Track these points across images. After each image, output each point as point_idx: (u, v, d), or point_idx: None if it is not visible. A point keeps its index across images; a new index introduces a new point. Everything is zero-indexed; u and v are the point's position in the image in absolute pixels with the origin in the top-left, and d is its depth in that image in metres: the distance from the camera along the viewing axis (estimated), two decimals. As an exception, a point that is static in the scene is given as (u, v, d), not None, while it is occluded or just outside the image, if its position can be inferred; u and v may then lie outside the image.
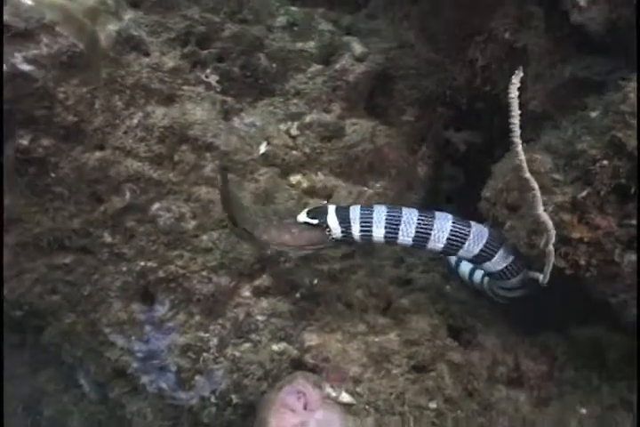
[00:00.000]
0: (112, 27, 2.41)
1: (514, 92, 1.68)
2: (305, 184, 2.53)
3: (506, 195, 2.13)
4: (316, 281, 2.40)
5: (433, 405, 2.26)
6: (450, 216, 2.20)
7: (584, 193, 1.92)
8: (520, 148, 1.68)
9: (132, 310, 2.47)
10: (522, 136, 1.94)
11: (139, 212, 2.41)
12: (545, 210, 1.94)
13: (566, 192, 1.95)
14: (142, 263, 2.40)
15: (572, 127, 2.09)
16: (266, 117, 2.64)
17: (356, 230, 2.15)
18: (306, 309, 2.41)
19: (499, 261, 2.22)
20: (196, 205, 2.40)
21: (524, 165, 1.67)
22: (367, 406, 2.18)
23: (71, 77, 2.26)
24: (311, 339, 2.35)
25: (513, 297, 2.37)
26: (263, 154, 2.51)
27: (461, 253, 2.21)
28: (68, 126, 2.27)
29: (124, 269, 2.45)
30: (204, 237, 2.39)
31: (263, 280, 2.43)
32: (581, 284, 2.06)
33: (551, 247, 1.78)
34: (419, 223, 2.14)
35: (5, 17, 2.08)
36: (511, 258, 2.21)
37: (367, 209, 2.17)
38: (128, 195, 2.39)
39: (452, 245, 2.18)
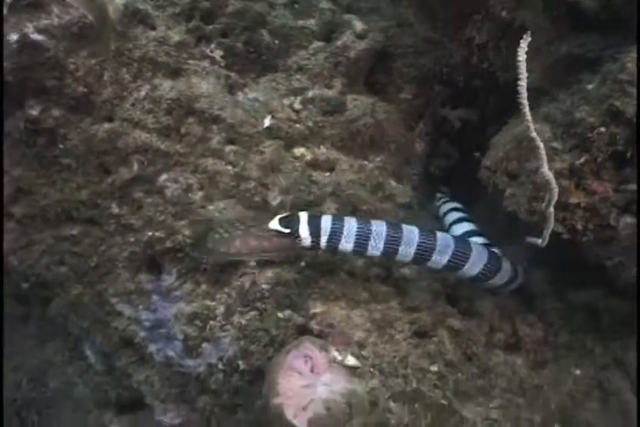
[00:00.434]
0: (119, 0, 2.44)
1: (522, 55, 1.74)
2: (308, 157, 2.59)
3: (506, 163, 2.22)
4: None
5: (434, 368, 2.34)
6: (416, 230, 2.25)
7: (582, 160, 2.01)
8: (527, 109, 1.75)
9: (140, 280, 2.52)
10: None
11: (146, 183, 2.45)
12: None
13: (565, 159, 2.04)
14: (150, 233, 2.45)
15: (569, 99, 2.17)
16: (269, 93, 2.70)
17: (324, 242, 2.20)
18: (310, 277, 2.46)
19: (471, 268, 2.33)
20: (203, 177, 2.45)
21: (531, 125, 1.74)
22: (372, 369, 2.24)
23: (81, 49, 2.29)
24: (316, 306, 2.41)
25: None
26: (268, 127, 2.57)
27: (429, 264, 2.31)
28: (77, 97, 2.31)
29: (132, 239, 2.50)
30: (211, 208, 2.44)
31: (268, 250, 2.48)
32: (578, 248, 2.16)
33: (552, 209, 1.86)
34: (387, 238, 2.19)
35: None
36: (485, 259, 2.31)
37: (338, 221, 2.19)
38: (136, 166, 2.43)
39: (420, 258, 2.25)
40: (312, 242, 2.18)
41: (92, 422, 2.85)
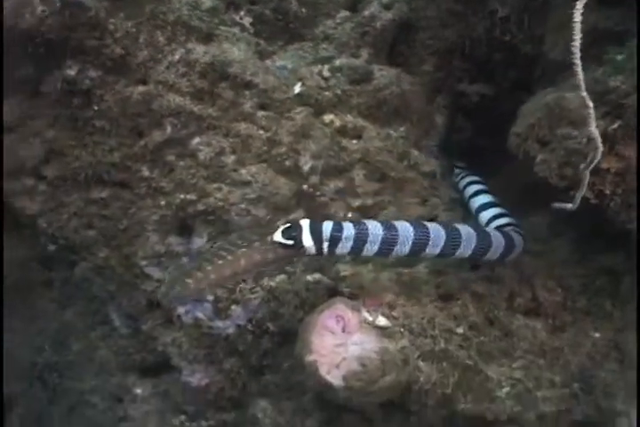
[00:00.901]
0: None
1: (580, 7, 1.79)
2: (337, 124, 2.63)
3: (537, 130, 2.27)
4: (350, 214, 2.51)
5: (460, 330, 2.41)
6: (409, 225, 2.25)
7: (615, 126, 2.08)
8: (580, 66, 1.80)
9: (170, 242, 2.55)
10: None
11: (179, 146, 2.48)
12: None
13: (598, 125, 2.10)
14: (182, 196, 2.48)
15: (601, 68, 2.23)
16: (296, 61, 2.73)
17: (326, 248, 2.16)
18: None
19: (464, 251, 2.34)
20: (236, 141, 2.49)
21: (582, 83, 1.80)
22: (402, 329, 2.31)
23: (118, 10, 2.30)
24: (345, 269, 2.47)
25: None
26: (298, 94, 2.60)
27: (424, 255, 2.32)
28: (115, 59, 2.33)
29: (162, 202, 2.53)
30: (243, 171, 2.48)
31: (298, 214, 2.53)
32: (603, 214, 2.23)
33: (588, 171, 1.93)
34: (384, 237, 2.19)
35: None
36: (474, 242, 2.34)
37: (338, 228, 2.16)
38: (169, 129, 2.46)
39: (416, 250, 2.26)
40: (317, 250, 2.16)
41: (114, 385, 2.89)
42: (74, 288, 2.85)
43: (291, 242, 2.10)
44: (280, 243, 2.10)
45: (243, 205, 2.48)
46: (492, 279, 2.60)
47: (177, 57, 2.46)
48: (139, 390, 2.84)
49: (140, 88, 2.42)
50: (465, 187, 3.03)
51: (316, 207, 2.52)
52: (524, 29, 2.85)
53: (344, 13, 2.82)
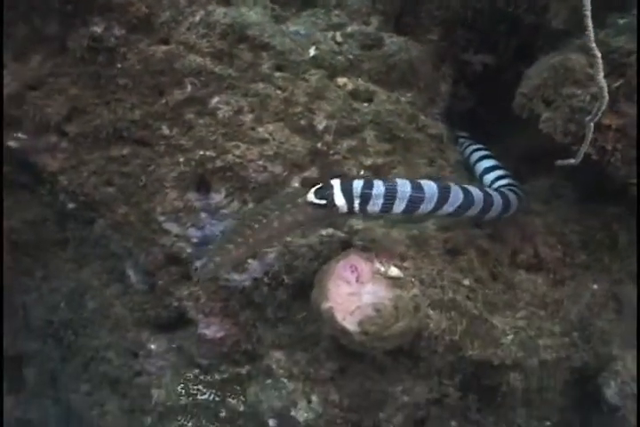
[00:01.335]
0: None
1: None
2: (350, 87, 2.73)
3: (543, 90, 2.40)
4: (362, 172, 2.61)
5: (467, 282, 2.53)
6: (434, 184, 2.33)
7: (617, 84, 2.21)
8: (590, 19, 1.91)
9: (188, 198, 2.64)
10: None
11: (199, 104, 2.57)
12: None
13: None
14: (201, 153, 2.56)
15: (603, 31, 2.36)
16: (309, 27, 2.83)
17: (357, 206, 2.23)
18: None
19: (473, 211, 2.46)
20: (254, 100, 2.58)
21: (592, 35, 1.91)
22: (413, 279, 2.42)
23: (142, -31, 2.38)
24: (358, 224, 2.58)
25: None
26: (313, 57, 2.70)
27: (440, 212, 2.39)
28: (140, 17, 2.40)
29: (181, 160, 2.61)
30: (261, 129, 2.57)
31: (312, 172, 2.63)
32: (604, 170, 2.37)
33: (592, 124, 2.06)
34: (412, 194, 2.26)
35: None
36: (481, 203, 2.46)
37: (368, 185, 2.23)
38: (189, 88, 2.54)
39: (437, 209, 2.35)
40: (348, 208, 2.23)
41: (129, 341, 2.97)
42: (90, 246, 2.93)
43: (323, 202, 2.18)
44: (313, 203, 2.18)
45: (260, 162, 2.56)
46: (495, 237, 2.72)
47: (197, 18, 2.54)
48: (153, 346, 2.91)
49: (163, 47, 2.51)
50: (470, 153, 3.16)
51: (329, 165, 2.61)
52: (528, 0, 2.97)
53: (356, -19, 2.92)
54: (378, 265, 2.44)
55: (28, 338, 3.22)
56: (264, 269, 2.60)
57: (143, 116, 2.59)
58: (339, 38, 2.79)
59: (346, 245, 2.55)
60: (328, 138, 2.61)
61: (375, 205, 2.25)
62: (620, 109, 2.23)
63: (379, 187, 2.24)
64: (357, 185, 2.21)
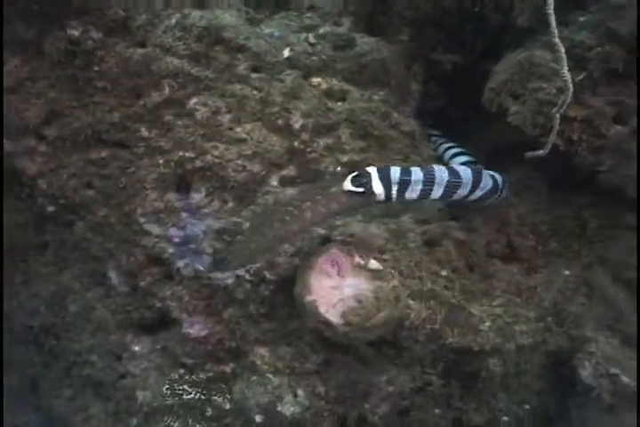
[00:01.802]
0: None
1: None
2: (324, 86, 2.80)
3: (510, 84, 2.50)
4: (339, 169, 2.68)
5: (444, 273, 2.61)
6: (468, 170, 2.41)
7: (580, 77, 2.32)
8: (553, 17, 2.01)
9: (168, 199, 2.66)
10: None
11: (177, 106, 2.60)
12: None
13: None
14: (180, 153, 2.60)
15: (566, 29, 2.47)
16: (283, 29, 2.89)
17: (395, 193, 2.28)
18: (329, 195, 2.67)
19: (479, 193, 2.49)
20: (231, 101, 2.62)
21: (555, 30, 2.01)
22: (392, 271, 2.49)
23: (117, -26, 2.42)
24: (336, 219, 2.64)
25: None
26: (287, 58, 2.76)
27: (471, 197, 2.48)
28: (117, 20, 2.43)
29: (161, 161, 2.64)
30: (238, 129, 2.62)
31: (290, 170, 2.68)
32: (572, 160, 2.48)
33: (559, 115, 2.16)
34: (449, 180, 2.34)
35: None
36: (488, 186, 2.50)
37: (406, 172, 2.28)
38: (167, 90, 2.58)
39: (468, 195, 2.43)
40: (386, 196, 2.27)
41: (113, 344, 2.97)
42: (70, 250, 2.93)
43: (361, 189, 2.22)
44: (351, 191, 2.21)
45: (239, 162, 2.60)
46: (470, 228, 2.81)
47: (173, 21, 2.59)
48: (137, 347, 2.92)
49: (140, 50, 2.54)
50: (445, 151, 3.25)
51: (307, 163, 2.67)
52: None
53: (327, -16, 2.99)
54: (358, 259, 2.49)
55: (8, 344, 3.19)
56: (246, 266, 2.63)
57: (122, 119, 2.61)
58: (312, 39, 2.86)
59: (326, 240, 2.61)
60: (305, 136, 2.67)
61: (414, 192, 2.30)
62: (585, 101, 2.35)
63: (417, 173, 2.29)
64: (395, 172, 2.26)
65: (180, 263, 2.70)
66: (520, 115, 2.45)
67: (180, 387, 2.85)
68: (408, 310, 2.45)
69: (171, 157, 2.63)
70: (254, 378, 2.67)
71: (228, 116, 2.63)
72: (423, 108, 3.43)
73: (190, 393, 2.83)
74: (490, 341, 2.50)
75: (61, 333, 3.04)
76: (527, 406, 2.67)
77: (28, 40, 2.50)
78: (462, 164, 3.05)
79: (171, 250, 2.70)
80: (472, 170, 2.41)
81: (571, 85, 2.05)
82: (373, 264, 2.50)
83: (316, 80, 2.80)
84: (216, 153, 2.60)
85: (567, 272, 2.68)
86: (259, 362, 2.69)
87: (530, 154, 2.48)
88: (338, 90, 2.83)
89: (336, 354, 2.60)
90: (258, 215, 2.31)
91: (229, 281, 2.66)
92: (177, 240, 2.68)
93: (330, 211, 2.22)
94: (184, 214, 2.67)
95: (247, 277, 2.64)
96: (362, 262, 2.49)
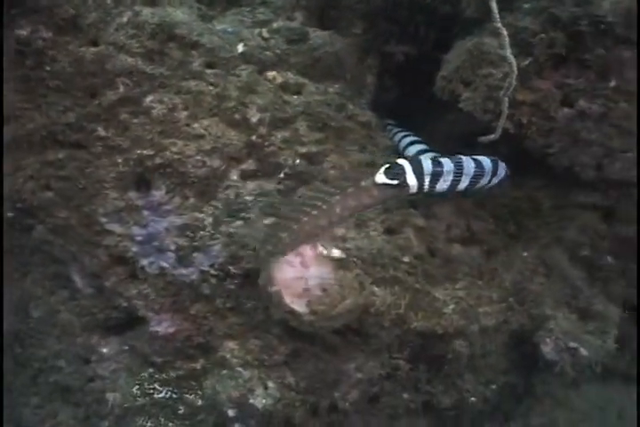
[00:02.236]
0: None
1: None
2: (279, 80, 2.82)
3: (461, 72, 2.56)
4: (298, 161, 2.71)
5: (406, 259, 2.66)
6: (487, 159, 2.48)
7: (526, 62, 2.39)
8: (494, 2, 2.07)
9: (129, 197, 2.65)
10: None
11: (133, 104, 2.59)
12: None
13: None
14: (139, 151, 2.59)
15: (511, 15, 2.54)
16: (236, 25, 2.90)
17: (427, 184, 2.31)
18: (289, 187, 2.71)
19: (495, 181, 2.59)
20: (187, 97, 2.62)
21: (497, 15, 2.07)
22: (355, 259, 2.53)
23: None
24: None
25: None
26: (241, 53, 2.78)
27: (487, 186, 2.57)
28: (67, 19, 2.42)
29: (119, 160, 2.63)
30: (196, 125, 2.62)
31: (249, 164, 2.70)
32: (523, 143, 2.55)
33: (507, 98, 2.22)
34: (475, 169, 2.41)
35: None
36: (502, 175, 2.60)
37: (437, 163, 2.32)
38: (122, 88, 2.57)
39: (487, 183, 2.51)
40: (418, 187, 2.29)
41: (80, 347, 2.95)
42: (31, 254, 2.90)
43: (395, 182, 2.23)
44: (385, 184, 2.21)
45: (198, 157, 2.61)
46: (429, 215, 2.87)
47: (125, 19, 2.58)
48: (105, 349, 2.91)
49: (92, 49, 2.52)
50: (400, 139, 3.29)
51: (266, 156, 2.69)
52: (440, -8, 3.14)
53: (278, -22, 3.02)
54: (320, 248, 2.53)
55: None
56: (210, 261, 2.64)
57: (77, 119, 2.59)
58: (265, 34, 2.88)
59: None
60: (262, 130, 2.69)
61: (445, 183, 2.34)
62: (532, 85, 2.42)
63: (448, 164, 2.33)
64: (427, 163, 2.28)
65: (145, 262, 2.69)
66: (471, 101, 2.52)
67: (151, 386, 2.85)
68: (373, 296, 2.49)
69: (129, 155, 2.61)
70: (225, 372, 2.69)
71: (184, 113, 2.63)
72: (379, 101, 3.48)
73: (161, 392, 2.84)
74: (454, 323, 2.56)
75: (26, 339, 3.00)
76: (494, 386, 2.74)
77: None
78: (419, 152, 3.10)
79: (134, 249, 2.69)
80: (491, 159, 2.48)
81: (515, 68, 2.11)
82: (336, 253, 2.53)
83: (271, 74, 2.82)
84: (175, 149, 2.61)
85: (525, 253, 2.75)
86: (228, 356, 2.71)
87: (482, 138, 2.55)
88: (293, 83, 2.85)
89: (304, 344, 2.64)
90: (286, 211, 2.30)
91: (194, 277, 2.66)
92: (140, 238, 2.67)
93: (361, 204, 2.23)
94: (146, 212, 2.66)
95: (212, 271, 2.65)
96: (325, 252, 2.53)
